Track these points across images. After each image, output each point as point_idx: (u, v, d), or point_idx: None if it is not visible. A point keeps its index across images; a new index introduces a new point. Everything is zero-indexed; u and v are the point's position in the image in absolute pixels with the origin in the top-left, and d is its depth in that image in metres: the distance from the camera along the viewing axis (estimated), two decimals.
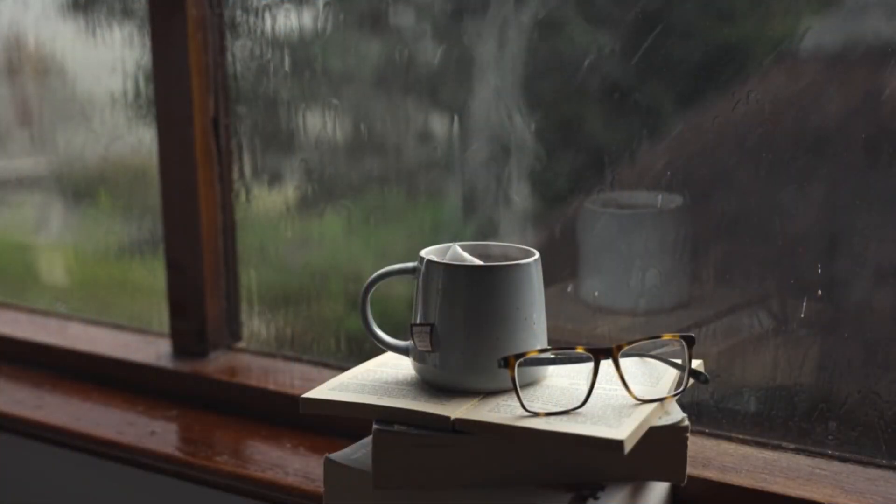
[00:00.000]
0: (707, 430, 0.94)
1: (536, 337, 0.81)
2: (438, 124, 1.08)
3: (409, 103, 1.10)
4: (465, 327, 0.79)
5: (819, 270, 0.90)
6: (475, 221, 1.07)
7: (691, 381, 0.79)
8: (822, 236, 0.90)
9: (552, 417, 0.74)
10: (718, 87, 0.92)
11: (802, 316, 0.91)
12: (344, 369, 0.89)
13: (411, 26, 1.08)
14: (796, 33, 0.89)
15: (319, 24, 1.14)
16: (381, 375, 0.84)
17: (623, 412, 0.74)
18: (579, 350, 0.77)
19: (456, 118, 1.07)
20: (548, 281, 0.83)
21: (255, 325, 1.24)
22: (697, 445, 0.91)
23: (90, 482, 1.17)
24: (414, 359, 0.83)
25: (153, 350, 1.25)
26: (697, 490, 0.85)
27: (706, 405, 0.95)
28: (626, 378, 0.76)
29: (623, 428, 0.71)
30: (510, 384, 0.75)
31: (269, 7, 1.15)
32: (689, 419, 0.77)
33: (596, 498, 0.75)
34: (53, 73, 1.39)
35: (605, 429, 0.71)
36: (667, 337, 0.79)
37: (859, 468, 0.87)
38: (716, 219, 0.94)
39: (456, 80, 1.07)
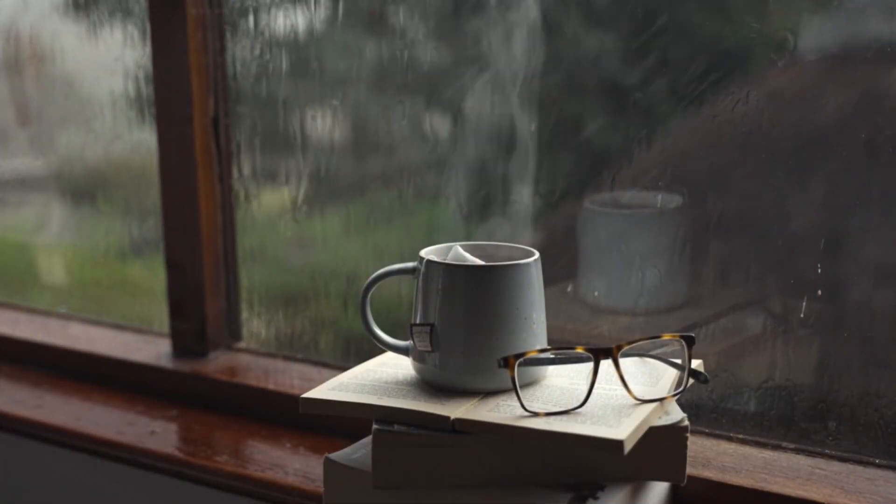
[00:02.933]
0: (706, 430, 0.94)
1: (536, 337, 0.81)
2: (438, 124, 1.08)
3: (408, 103, 1.10)
4: (465, 327, 0.79)
5: (819, 270, 0.90)
6: (474, 221, 1.07)
7: (691, 381, 0.79)
8: (822, 236, 0.90)
9: (552, 417, 0.74)
10: (718, 87, 0.92)
11: (802, 316, 0.91)
12: (344, 369, 0.89)
13: (411, 25, 1.08)
14: (796, 33, 0.89)
15: (319, 24, 1.14)
16: (381, 375, 0.84)
17: (623, 412, 0.74)
18: (579, 350, 0.77)
19: (455, 118, 1.07)
20: (548, 281, 0.83)
21: (255, 325, 1.24)
22: (697, 445, 0.91)
23: (90, 482, 1.17)
24: (414, 359, 0.83)
25: (153, 350, 1.25)
26: (697, 490, 0.85)
27: (705, 405, 0.95)
28: (625, 378, 0.76)
29: (623, 428, 0.71)
30: (510, 384, 0.75)
31: (269, 7, 1.15)
32: (689, 419, 0.77)
33: (596, 498, 0.75)
34: (54, 73, 1.39)
35: (604, 429, 0.71)
36: (667, 337, 0.79)
37: (859, 468, 0.87)
38: (716, 219, 0.94)
39: (455, 79, 1.07)
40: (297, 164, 1.18)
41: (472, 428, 0.75)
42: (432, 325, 0.80)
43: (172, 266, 1.22)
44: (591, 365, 0.75)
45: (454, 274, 0.79)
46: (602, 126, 1.01)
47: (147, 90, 1.26)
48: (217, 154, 1.19)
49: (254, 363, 1.19)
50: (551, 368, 0.84)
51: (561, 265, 1.03)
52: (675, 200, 0.96)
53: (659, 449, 0.76)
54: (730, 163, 0.93)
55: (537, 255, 0.82)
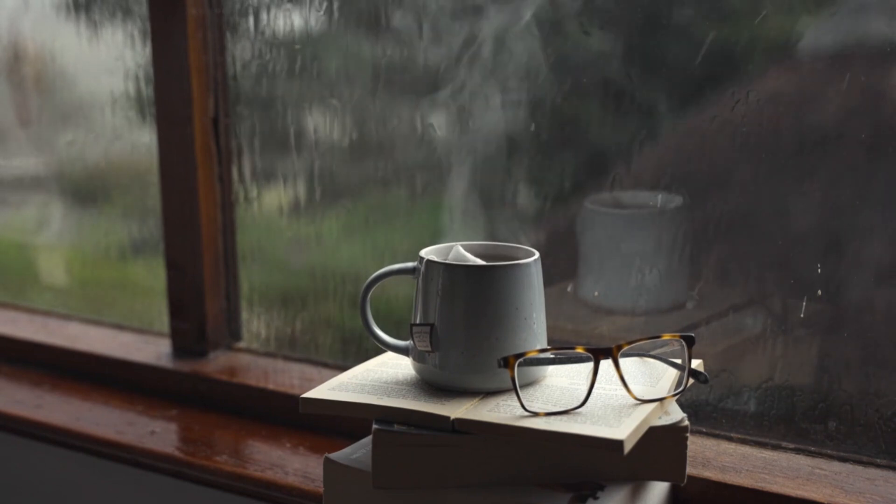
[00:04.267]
0: (706, 430, 0.94)
1: (536, 337, 0.81)
2: (438, 124, 1.08)
3: (408, 103, 1.10)
4: (465, 327, 0.79)
5: (819, 270, 0.90)
6: (474, 221, 1.07)
7: (691, 381, 0.79)
8: (822, 236, 0.90)
9: (552, 417, 0.74)
10: (717, 87, 0.92)
11: (802, 316, 0.91)
12: (344, 369, 0.89)
13: (411, 26, 1.08)
14: (795, 32, 0.89)
15: (319, 24, 1.14)
16: (381, 375, 0.84)
17: (623, 412, 0.74)
18: (579, 350, 0.77)
19: (455, 118, 1.07)
20: (548, 281, 0.83)
21: (255, 325, 1.24)
22: (697, 445, 0.91)
23: (90, 482, 1.17)
24: (414, 359, 0.83)
25: (153, 350, 1.25)
26: (697, 490, 0.85)
27: (705, 405, 0.95)
28: (625, 378, 0.76)
29: (623, 428, 0.71)
30: (510, 384, 0.75)
31: (269, 6, 1.15)
32: (689, 419, 0.77)
33: (596, 498, 0.75)
34: (54, 73, 1.39)
35: (604, 429, 0.71)
36: (667, 337, 0.79)
37: (859, 468, 0.87)
38: (716, 219, 0.94)
39: (455, 79, 1.07)
40: (296, 164, 1.18)
41: (472, 428, 0.75)
42: (432, 325, 0.80)
43: (172, 266, 1.22)
44: (591, 365, 0.75)
45: (454, 274, 0.79)
46: (602, 126, 1.01)
47: (147, 90, 1.26)
48: (217, 154, 1.19)
49: (254, 363, 1.19)
50: (551, 368, 0.84)
51: (561, 265, 1.03)
52: (675, 200, 0.96)
53: (659, 449, 0.76)
54: (730, 163, 0.93)
55: (537, 255, 0.82)
